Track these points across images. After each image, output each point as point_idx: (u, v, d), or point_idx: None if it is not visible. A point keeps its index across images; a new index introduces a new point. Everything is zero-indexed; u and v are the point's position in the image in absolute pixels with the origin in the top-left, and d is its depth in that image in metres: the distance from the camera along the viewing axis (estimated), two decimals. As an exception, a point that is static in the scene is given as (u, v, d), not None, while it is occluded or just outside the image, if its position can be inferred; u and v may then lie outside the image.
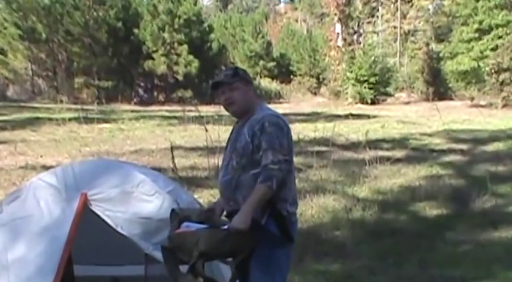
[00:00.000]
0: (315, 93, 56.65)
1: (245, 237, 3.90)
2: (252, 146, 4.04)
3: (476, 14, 40.51)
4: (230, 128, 4.52)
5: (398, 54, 61.44)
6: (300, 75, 58.59)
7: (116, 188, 4.84)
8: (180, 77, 43.52)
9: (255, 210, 3.88)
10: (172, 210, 4.36)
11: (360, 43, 55.06)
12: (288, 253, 4.19)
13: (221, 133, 12.51)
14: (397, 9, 63.31)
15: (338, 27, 49.71)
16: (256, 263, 4.04)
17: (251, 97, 4.28)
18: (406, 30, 63.75)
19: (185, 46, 43.24)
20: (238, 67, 4.42)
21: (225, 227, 3.93)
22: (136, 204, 4.82)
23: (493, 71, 38.25)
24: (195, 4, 46.15)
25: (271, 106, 4.48)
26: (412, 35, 63.34)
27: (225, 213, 4.33)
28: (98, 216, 4.82)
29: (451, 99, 48.25)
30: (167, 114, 30.63)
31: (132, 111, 32.14)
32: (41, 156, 14.87)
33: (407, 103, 47.81)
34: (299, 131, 18.47)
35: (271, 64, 58.47)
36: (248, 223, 3.82)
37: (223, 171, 4.23)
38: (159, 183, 5.07)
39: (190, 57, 43.14)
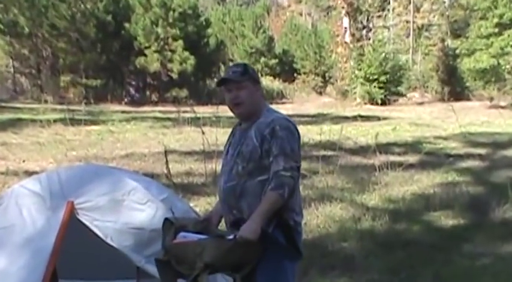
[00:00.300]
0: (321, 93, 56.65)
1: (253, 248, 3.88)
2: (261, 150, 4.05)
3: (496, 7, 40.47)
4: (229, 130, 4.51)
5: (411, 50, 61.46)
6: (305, 73, 58.60)
7: (105, 196, 4.83)
8: (174, 75, 43.54)
9: (265, 219, 3.88)
10: (166, 219, 4.35)
11: (369, 39, 55.05)
12: (294, 266, 4.21)
13: (219, 136, 12.54)
14: (410, 2, 63.30)
15: (346, 22, 49.76)
16: (263, 276, 4.02)
17: (259, 98, 4.29)
18: (419, 25, 63.73)
19: (180, 42, 43.26)
20: (248, 64, 4.40)
21: (231, 236, 3.92)
22: (127, 214, 4.81)
23: (514, 69, 38.26)
24: (191, -4, 46.24)
25: (274, 107, 4.48)
26: (426, 30, 63.32)
27: (223, 222, 4.33)
28: (86, 226, 4.81)
29: (469, 99, 48.26)
30: (160, 115, 30.62)
31: (123, 112, 32.15)
32: (24, 161, 14.86)
33: (421, 104, 47.82)
34: (303, 133, 18.27)
35: (273, 61, 58.51)
36: (258, 233, 3.82)
37: (226, 177, 4.21)
38: (152, 190, 5.06)
39: (186, 53, 43.16)
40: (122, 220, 4.78)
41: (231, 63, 57.65)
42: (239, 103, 4.20)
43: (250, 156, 4.08)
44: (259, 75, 54.07)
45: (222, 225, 4.43)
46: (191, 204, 7.51)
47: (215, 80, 50.20)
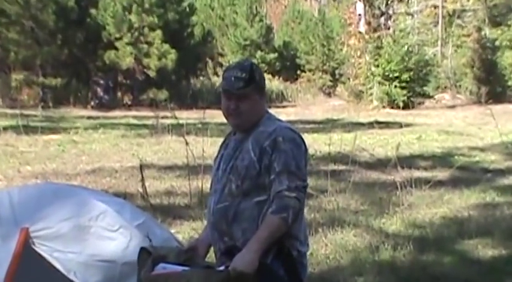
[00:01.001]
0: (329, 94, 56.74)
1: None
2: (259, 166, 4.05)
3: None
4: (218, 140, 4.53)
5: (440, 42, 61.52)
6: (310, 70, 58.70)
7: (67, 222, 4.83)
8: (151, 73, 43.49)
9: (264, 248, 3.87)
10: (142, 248, 4.33)
11: (388, 28, 55.12)
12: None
13: (206, 147, 12.56)
14: (439, -17, 63.50)
15: (360, 7, 49.80)
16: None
17: (262, 108, 4.30)
18: (450, 11, 63.82)
19: (158, 32, 43.24)
20: (254, 65, 4.38)
21: (222, 268, 3.91)
22: (94, 243, 4.81)
23: None
24: (172, -23, 46.27)
25: (272, 112, 4.47)
26: (459, 17, 63.42)
27: (212, 253, 4.31)
28: (44, 258, 4.80)
29: (511, 101, 48.27)
30: (135, 121, 30.63)
31: (89, 117, 32.16)
32: (-33, 178, 14.86)
33: (452, 107, 47.89)
34: (309, 144, 18.28)
35: (272, 56, 58.57)
36: (255, 265, 3.81)
37: (217, 197, 4.21)
38: (125, 214, 5.05)
39: (166, 46, 43.14)
40: (88, 251, 4.78)
41: (220, 58, 58.00)
42: (239, 114, 4.19)
43: (246, 173, 4.07)
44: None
45: (211, 257, 4.43)
46: (172, 231, 7.50)
47: (201, 78, 50.25)
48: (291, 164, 4.00)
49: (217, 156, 4.43)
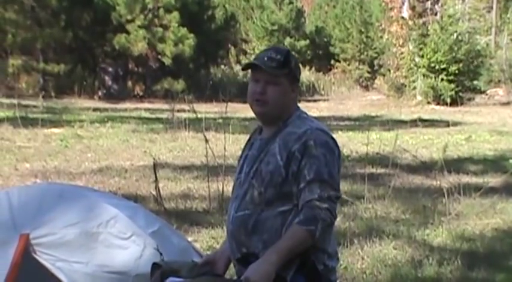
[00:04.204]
0: (367, 88, 56.65)
1: None
2: (286, 172, 4.01)
3: None
4: (241, 137, 4.52)
5: (493, 30, 61.16)
6: (345, 60, 58.62)
7: (73, 227, 4.82)
8: (167, 60, 43.44)
9: (284, 260, 3.84)
10: (154, 264, 4.32)
11: (435, 14, 54.92)
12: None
13: (228, 145, 12.52)
14: (493, -38, 63.11)
15: (403, -11, 49.70)
16: None
17: (292, 101, 4.26)
18: (506, -6, 63.47)
19: (175, 14, 43.20)
20: (291, 53, 4.33)
21: (235, 278, 3.90)
22: (104, 252, 4.81)
23: None
24: (191, -48, 46.23)
25: (302, 106, 4.43)
26: (516, 2, 63.04)
27: (233, 264, 4.30)
28: (46, 268, 4.80)
29: None
30: (147, 115, 30.69)
31: (95, 109, 32.19)
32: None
33: (507, 104, 47.57)
34: (343, 143, 18.43)
35: (303, 43, 58.49)
36: (270, 279, 3.79)
37: (237, 204, 4.18)
38: (139, 220, 5.05)
39: (183, 31, 43.07)
40: (96, 261, 4.77)
41: (244, 45, 57.97)
42: (264, 101, 4.16)
43: (270, 179, 4.04)
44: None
45: (231, 271, 4.41)
46: (189, 239, 7.49)
47: (222, 67, 50.19)
48: (323, 172, 3.96)
49: (241, 156, 4.40)
